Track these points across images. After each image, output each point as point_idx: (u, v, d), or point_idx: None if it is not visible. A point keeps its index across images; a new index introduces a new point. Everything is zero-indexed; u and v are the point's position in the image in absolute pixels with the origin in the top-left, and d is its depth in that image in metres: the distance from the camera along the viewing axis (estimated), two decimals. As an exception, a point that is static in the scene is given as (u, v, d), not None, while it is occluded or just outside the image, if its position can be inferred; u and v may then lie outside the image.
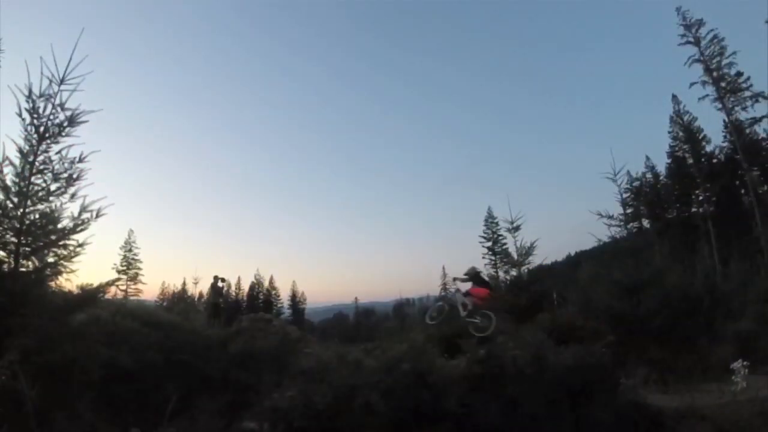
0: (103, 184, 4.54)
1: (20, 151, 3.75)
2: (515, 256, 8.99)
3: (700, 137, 34.12)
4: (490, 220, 35.53)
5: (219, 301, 13.51)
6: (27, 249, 3.71)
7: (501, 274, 11.37)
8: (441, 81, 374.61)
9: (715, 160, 33.59)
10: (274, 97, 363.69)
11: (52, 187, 3.84)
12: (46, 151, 3.85)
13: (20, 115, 3.79)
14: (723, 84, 28.09)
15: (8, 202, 3.65)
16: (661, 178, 38.13)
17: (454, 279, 8.33)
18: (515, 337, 4.16)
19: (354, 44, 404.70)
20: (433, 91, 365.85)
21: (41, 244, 3.77)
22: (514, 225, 9.07)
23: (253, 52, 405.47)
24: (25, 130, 3.80)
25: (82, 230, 3.88)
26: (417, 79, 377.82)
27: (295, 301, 66.40)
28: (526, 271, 9.02)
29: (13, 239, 3.63)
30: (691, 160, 34.42)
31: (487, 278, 8.02)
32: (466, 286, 7.47)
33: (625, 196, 9.02)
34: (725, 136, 32.19)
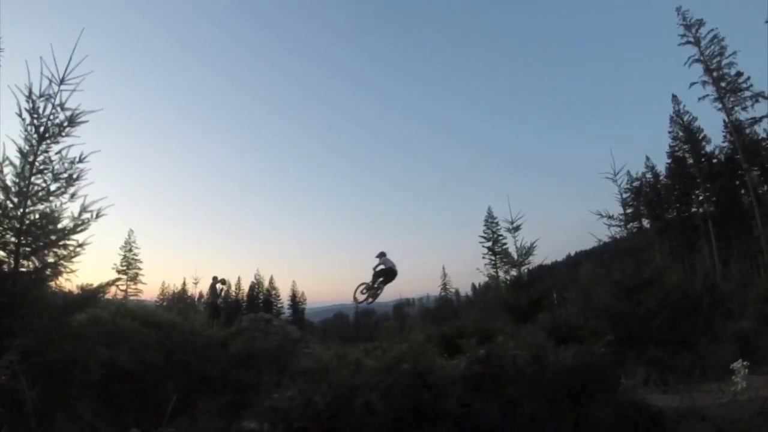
0: (103, 184, 4.56)
1: (20, 151, 3.75)
2: (515, 256, 9.02)
3: (700, 137, 34.16)
4: (490, 220, 35.46)
5: (218, 301, 13.55)
6: (27, 249, 3.71)
7: (501, 274, 11.39)
8: (441, 81, 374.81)
9: (715, 160, 33.61)
10: (274, 97, 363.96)
11: (52, 187, 3.85)
12: (46, 151, 3.85)
13: (20, 115, 3.79)
14: (723, 84, 28.11)
15: (8, 202, 3.65)
16: (661, 178, 38.18)
17: None
18: (515, 337, 4.15)
19: (354, 44, 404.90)
20: (433, 91, 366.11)
21: (41, 244, 3.77)
22: (514, 225, 9.10)
23: (253, 52, 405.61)
24: (25, 130, 3.81)
25: (82, 230, 3.89)
26: (417, 79, 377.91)
27: (295, 301, 66.34)
28: (526, 271, 9.04)
29: (13, 239, 3.63)
30: (691, 160, 34.46)
31: None
32: None
33: (625, 196, 9.02)
34: (725, 136, 32.26)
